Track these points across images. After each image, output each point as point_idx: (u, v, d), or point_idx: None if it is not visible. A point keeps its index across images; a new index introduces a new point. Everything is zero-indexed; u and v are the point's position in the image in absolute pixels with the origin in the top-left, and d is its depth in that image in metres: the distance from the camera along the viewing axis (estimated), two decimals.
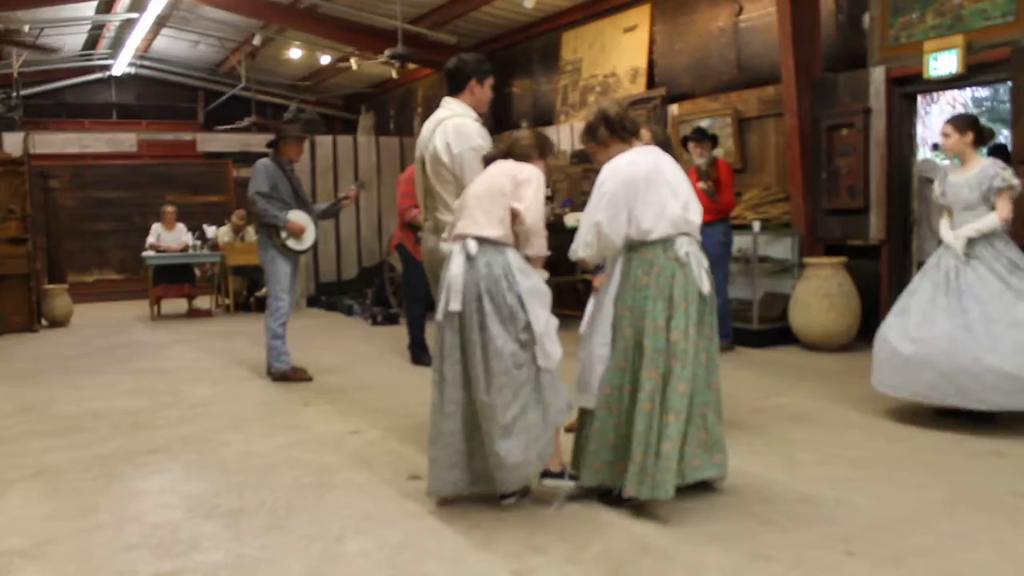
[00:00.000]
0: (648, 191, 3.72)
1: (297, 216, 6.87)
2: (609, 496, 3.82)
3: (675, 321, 3.65)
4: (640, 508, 3.70)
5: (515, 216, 3.74)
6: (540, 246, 3.81)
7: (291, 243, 6.85)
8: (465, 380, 3.75)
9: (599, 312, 3.89)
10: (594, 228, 3.75)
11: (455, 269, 3.74)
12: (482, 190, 3.82)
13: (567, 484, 3.88)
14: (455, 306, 3.69)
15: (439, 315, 3.78)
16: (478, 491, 3.88)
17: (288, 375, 6.90)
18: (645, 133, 4.12)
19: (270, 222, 6.79)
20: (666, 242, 3.72)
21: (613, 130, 3.93)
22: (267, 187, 6.83)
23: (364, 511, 3.88)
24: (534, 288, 3.73)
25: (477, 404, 3.72)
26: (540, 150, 4.00)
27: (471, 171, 4.16)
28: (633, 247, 3.76)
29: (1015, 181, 5.01)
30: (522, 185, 3.76)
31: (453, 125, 4.31)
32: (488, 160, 4.01)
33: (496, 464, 3.71)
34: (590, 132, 4.00)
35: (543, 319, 3.71)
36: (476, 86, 4.42)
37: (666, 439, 3.59)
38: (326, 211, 7.42)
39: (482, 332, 3.66)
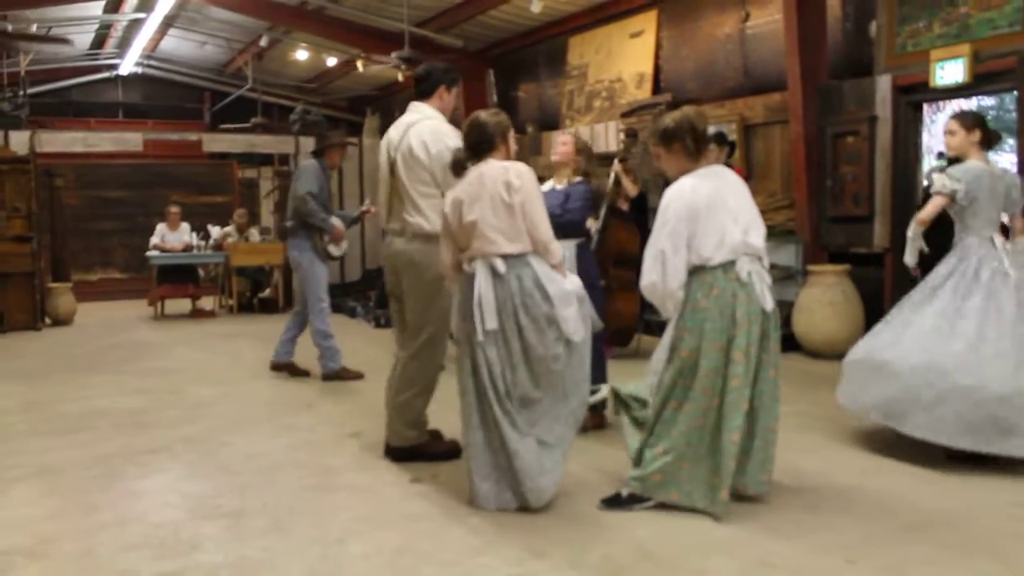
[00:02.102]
0: (708, 220, 3.70)
1: (338, 222, 7.00)
2: (618, 499, 3.85)
3: (737, 341, 3.67)
4: (643, 512, 3.73)
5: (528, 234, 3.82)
6: (557, 252, 3.89)
7: (331, 248, 7.01)
8: (506, 391, 3.81)
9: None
10: (660, 256, 3.73)
11: (484, 288, 3.78)
12: (488, 209, 3.81)
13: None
14: (492, 324, 3.75)
15: (480, 335, 3.77)
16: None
17: (339, 374, 6.99)
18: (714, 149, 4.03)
19: (318, 224, 6.88)
20: (726, 265, 3.72)
21: (696, 142, 3.82)
22: (316, 189, 6.90)
23: (365, 514, 3.88)
24: (560, 292, 3.79)
25: (520, 399, 3.81)
26: (502, 133, 4.00)
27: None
28: (693, 271, 3.76)
29: (950, 187, 4.66)
30: (521, 197, 3.79)
31: (428, 127, 4.46)
32: (457, 161, 4.04)
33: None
34: (673, 138, 3.84)
35: (571, 318, 3.79)
36: (444, 92, 4.61)
37: (730, 457, 3.65)
38: (351, 221, 7.59)
39: (522, 343, 3.76)
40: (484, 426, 3.83)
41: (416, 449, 4.61)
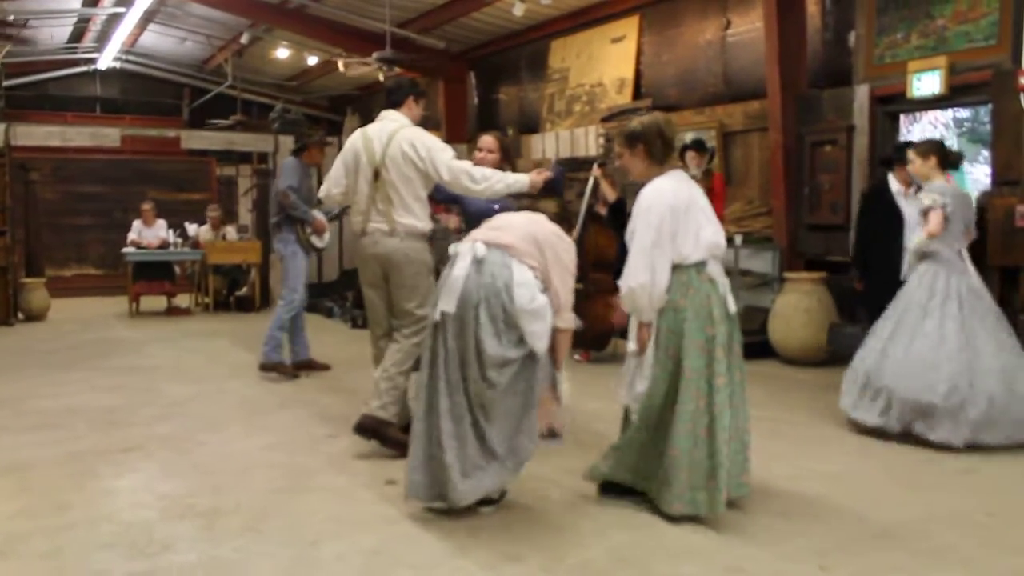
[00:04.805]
0: (688, 218, 3.76)
1: (319, 216, 7.26)
2: (615, 487, 3.92)
3: (717, 339, 3.73)
4: (620, 517, 3.73)
5: (552, 292, 3.88)
6: (569, 320, 3.99)
7: (314, 239, 7.22)
8: (459, 382, 3.78)
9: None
10: (650, 257, 3.73)
11: (459, 271, 3.78)
12: (532, 227, 3.93)
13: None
14: (448, 308, 3.74)
15: (436, 315, 3.78)
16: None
17: (277, 368, 7.04)
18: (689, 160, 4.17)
19: (300, 216, 7.13)
20: (699, 265, 3.78)
21: (664, 147, 3.89)
22: (297, 183, 7.14)
23: (339, 515, 3.87)
24: (536, 309, 3.74)
25: (470, 395, 3.77)
26: (566, 225, 4.23)
27: (448, 162, 4.69)
28: (671, 269, 3.79)
29: (940, 200, 5.09)
30: (565, 266, 3.92)
31: (415, 133, 4.88)
32: (522, 209, 4.25)
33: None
34: (637, 139, 3.90)
35: (539, 333, 3.76)
36: (413, 103, 5.05)
37: (724, 457, 3.67)
38: (332, 216, 7.82)
39: (476, 340, 3.72)
40: (427, 418, 3.78)
41: (382, 428, 4.74)
